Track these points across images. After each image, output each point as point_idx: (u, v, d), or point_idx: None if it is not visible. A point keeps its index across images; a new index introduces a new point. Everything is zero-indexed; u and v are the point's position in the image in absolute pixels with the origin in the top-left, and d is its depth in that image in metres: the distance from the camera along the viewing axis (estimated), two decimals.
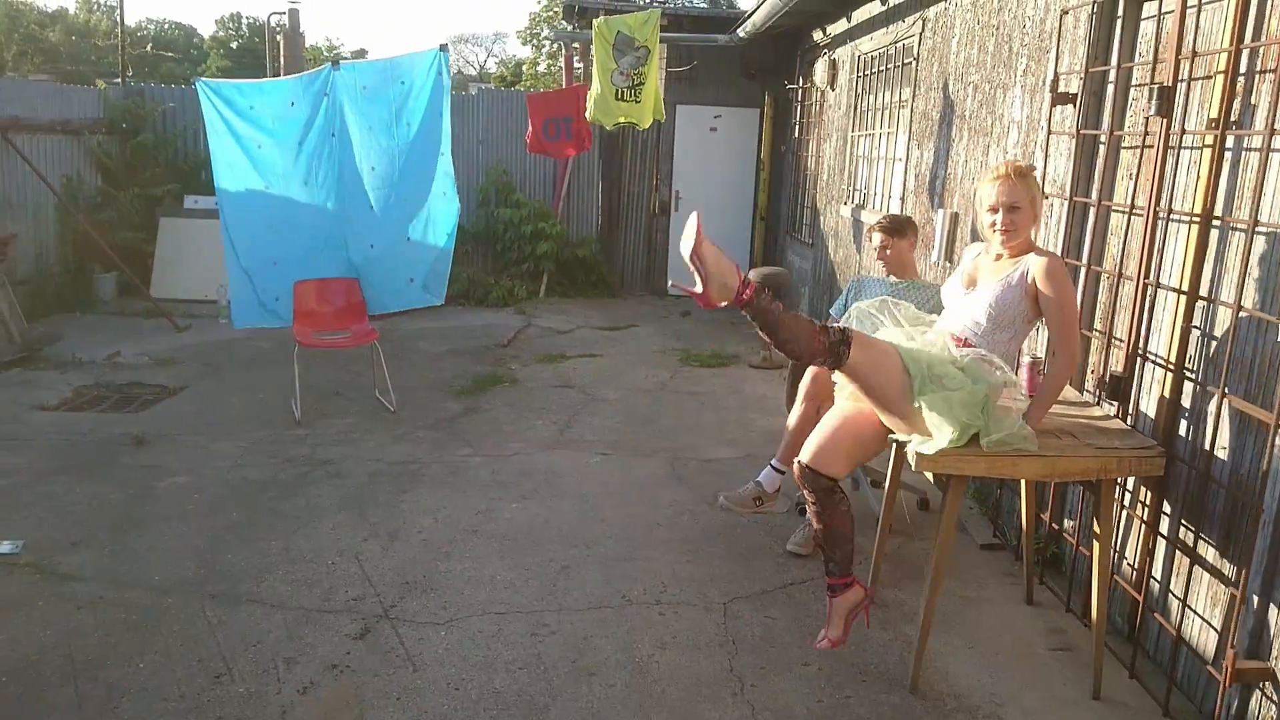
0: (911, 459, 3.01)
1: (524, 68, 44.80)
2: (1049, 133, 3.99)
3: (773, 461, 4.32)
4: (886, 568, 4.06)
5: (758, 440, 5.80)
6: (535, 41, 46.18)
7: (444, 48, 6.20)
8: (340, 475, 5.02)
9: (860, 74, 7.50)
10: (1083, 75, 3.80)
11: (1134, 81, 3.61)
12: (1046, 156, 4.04)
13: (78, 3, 44.16)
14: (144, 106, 10.23)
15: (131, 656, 3.24)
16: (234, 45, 49.85)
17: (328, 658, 3.28)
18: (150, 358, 7.37)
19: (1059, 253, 3.93)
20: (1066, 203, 3.91)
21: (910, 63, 6.16)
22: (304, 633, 3.43)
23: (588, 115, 7.75)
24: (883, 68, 6.91)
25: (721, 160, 10.90)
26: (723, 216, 10.98)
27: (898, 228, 4.63)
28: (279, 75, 10.13)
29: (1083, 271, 3.85)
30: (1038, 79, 4.29)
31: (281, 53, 15.42)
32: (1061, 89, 3.95)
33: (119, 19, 13.78)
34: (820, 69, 8.44)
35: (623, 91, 7.49)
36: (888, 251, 4.60)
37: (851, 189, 7.74)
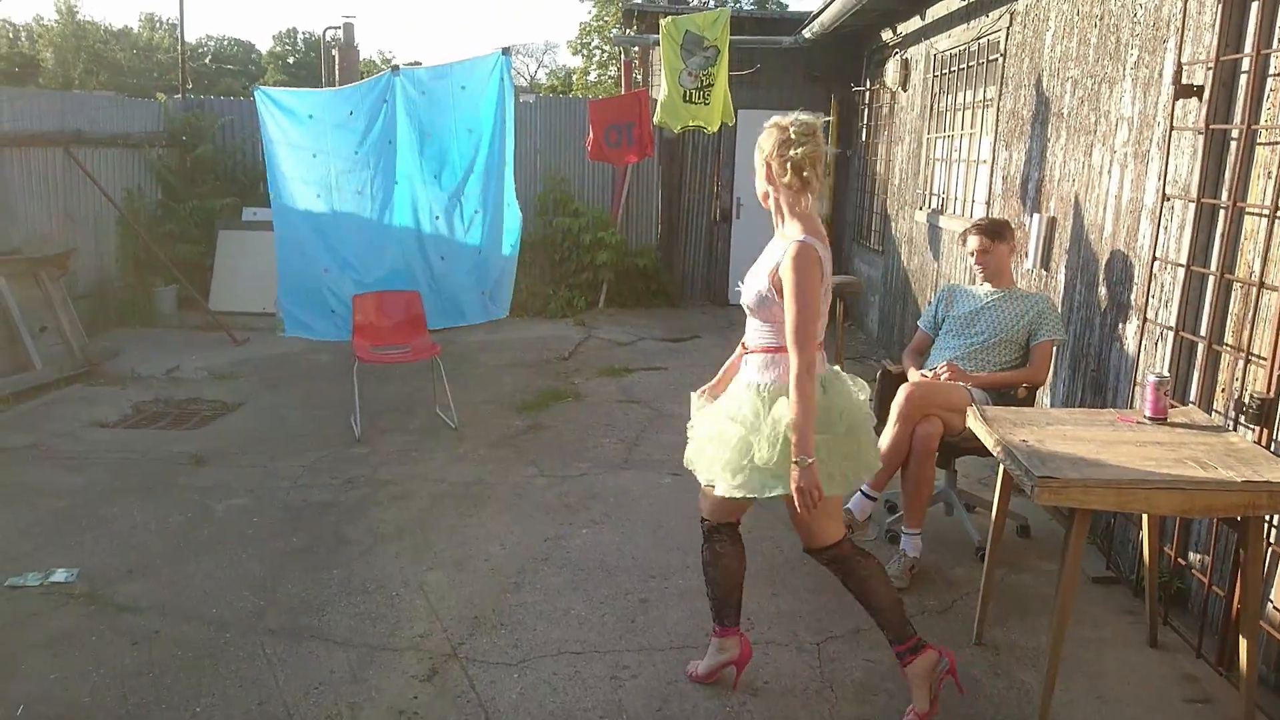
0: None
1: (574, 77, 44.89)
2: (1170, 128, 3.65)
3: (863, 488, 4.02)
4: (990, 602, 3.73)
5: None
6: (585, 51, 46.29)
7: (506, 51, 6.00)
8: (403, 497, 4.81)
9: (937, 73, 7.15)
10: (1211, 65, 3.45)
11: (1272, 70, 3.25)
12: (1167, 154, 3.69)
13: (141, 20, 45.26)
14: (203, 119, 10.21)
15: (188, 699, 3.04)
16: (290, 60, 50.69)
17: (394, 702, 3.05)
18: (209, 372, 7.27)
19: (1183, 260, 3.59)
20: (1192, 205, 3.56)
21: (996, 59, 5.82)
22: (368, 674, 3.20)
23: (655, 119, 7.50)
24: (963, 66, 6.57)
25: None
26: None
27: (998, 230, 4.31)
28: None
29: (1212, 280, 3.50)
30: (1153, 71, 3.94)
31: (336, 66, 15.49)
32: (1185, 80, 3.60)
33: (179, 33, 13.89)
34: (891, 69, 8.11)
35: (691, 93, 7.23)
36: (986, 256, 4.28)
37: (927, 193, 7.39)
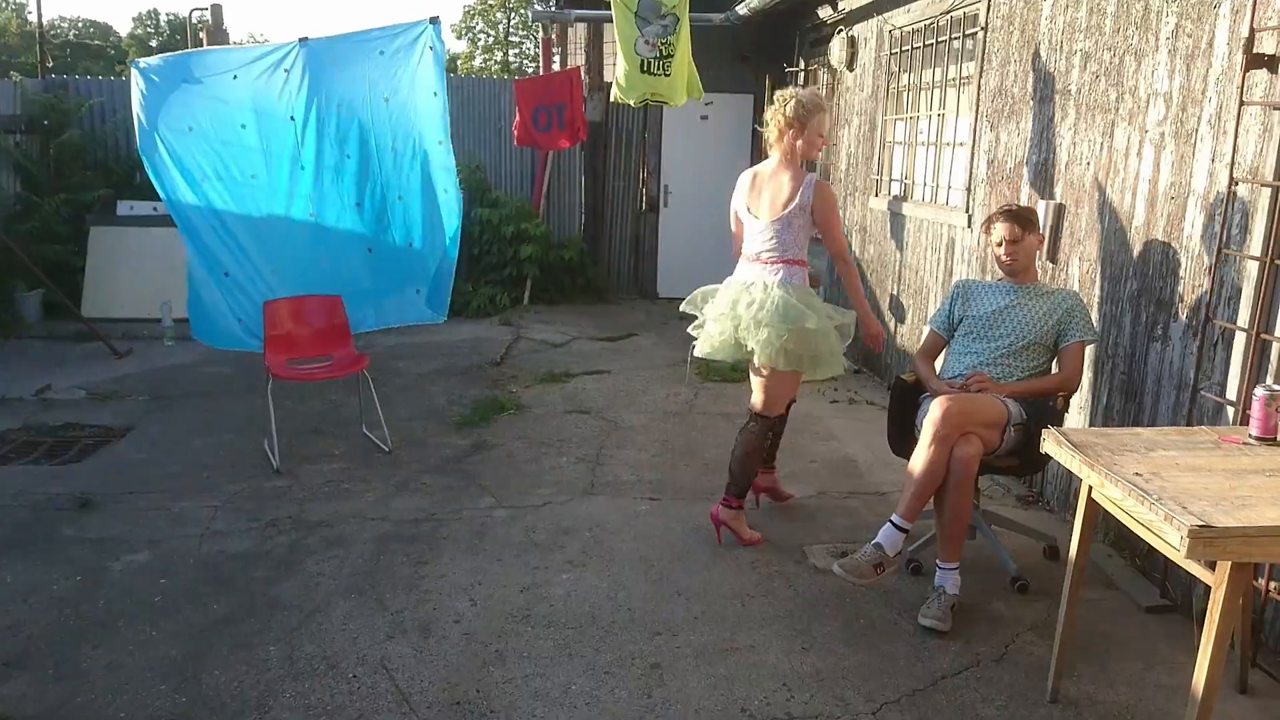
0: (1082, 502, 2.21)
1: (459, 62, 43.54)
2: (1240, 103, 3.22)
3: (893, 517, 3.50)
4: (1036, 639, 3.27)
5: (823, 473, 4.99)
6: (470, 35, 44.94)
7: (435, 20, 5.26)
8: (341, 542, 4.08)
9: (893, 51, 6.71)
10: None
11: None
12: (1237, 133, 3.26)
13: None
14: (68, 101, 9.06)
15: None
16: (153, 45, 47.82)
17: None
18: (88, 391, 6.31)
19: (1257, 253, 3.18)
20: (1268, 190, 3.15)
21: (975, 33, 5.38)
22: None
23: (613, 94, 6.80)
24: (928, 42, 6.13)
25: (715, 151, 10.06)
26: (717, 212, 10.12)
27: (1028, 219, 3.85)
28: None
29: None
30: (1197, 41, 3.53)
31: None
32: (1257, 49, 3.18)
33: (37, 4, 12.50)
34: (836, 48, 7.66)
35: (649, 63, 6.58)
36: (1016, 247, 3.81)
37: (883, 179, 6.96)
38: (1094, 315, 4.17)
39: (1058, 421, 3.66)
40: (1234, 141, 3.26)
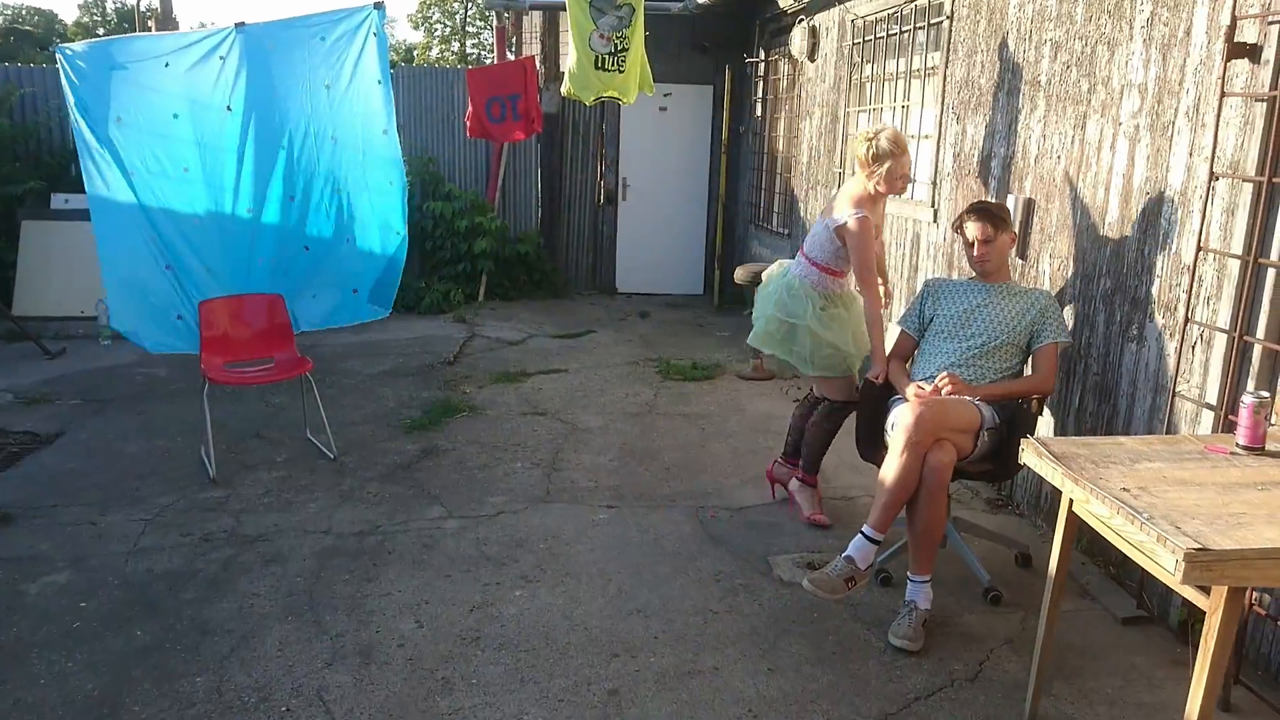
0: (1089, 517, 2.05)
1: (416, 53, 42.85)
2: (1222, 95, 3.09)
3: (864, 528, 3.34)
4: (1011, 655, 3.13)
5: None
6: (427, 25, 44.27)
7: (379, 5, 5.00)
8: (279, 558, 3.84)
9: (856, 41, 6.56)
10: (1277, 18, 2.91)
11: None
12: (1217, 126, 3.13)
13: None
14: None
15: None
16: (100, 33, 46.61)
17: None
18: (14, 394, 5.98)
19: (1239, 251, 3.05)
20: (1250, 185, 3.02)
21: (940, 22, 5.23)
22: None
23: (563, 91, 6.58)
24: (891, 32, 5.98)
25: (674, 143, 9.87)
26: (677, 206, 9.98)
27: (1001, 216, 3.69)
28: None
29: (1272, 274, 2.97)
30: (1174, 30, 3.39)
31: None
32: (1238, 38, 3.05)
33: None
34: (797, 38, 7.49)
35: (604, 59, 6.35)
36: (989, 247, 3.66)
37: (846, 173, 6.80)
38: (1066, 314, 4.04)
39: (1032, 424, 3.52)
40: (1215, 134, 3.12)
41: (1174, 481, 2.39)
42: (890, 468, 3.28)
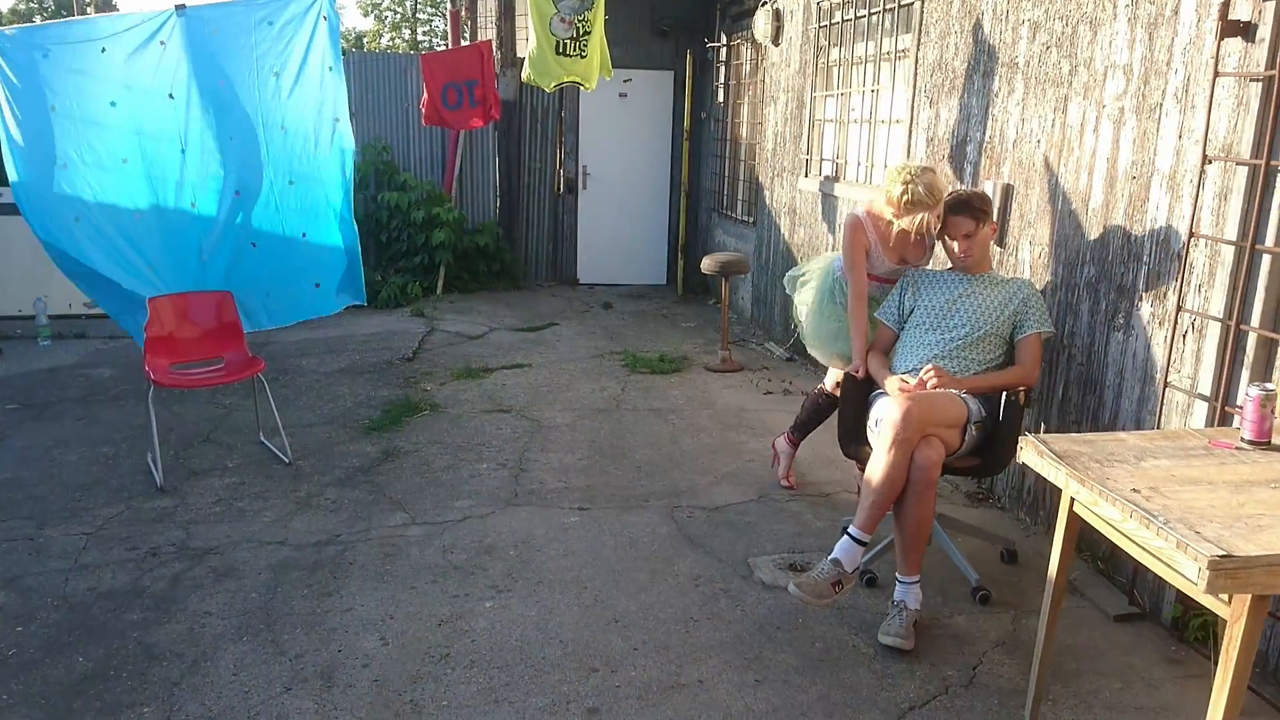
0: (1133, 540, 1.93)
1: (365, 41, 42.09)
2: (1215, 74, 2.98)
3: (850, 529, 3.20)
4: (1004, 657, 3.02)
5: (763, 473, 4.68)
6: (377, 12, 43.49)
7: None
8: (232, 573, 3.62)
9: (822, 24, 6.42)
10: None
11: None
12: (1210, 107, 3.02)
13: None
14: None
15: None
16: (38, 19, 45.21)
17: None
18: None
19: (1233, 236, 2.95)
20: (1244, 169, 2.91)
21: (911, 3, 5.10)
22: None
23: (523, 77, 6.35)
24: (860, 14, 5.85)
25: (635, 130, 9.68)
26: (639, 194, 9.80)
27: (983, 207, 3.56)
28: None
29: (1267, 260, 2.88)
30: (1161, 8, 3.28)
31: None
32: (1232, 15, 2.94)
33: None
34: (760, 21, 7.33)
35: (565, 44, 6.13)
36: (971, 242, 3.54)
37: (813, 159, 6.68)
38: (1049, 302, 3.93)
39: (1019, 417, 3.41)
40: (1207, 116, 3.02)
41: (1184, 480, 2.28)
42: (877, 466, 3.15)
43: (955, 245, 3.54)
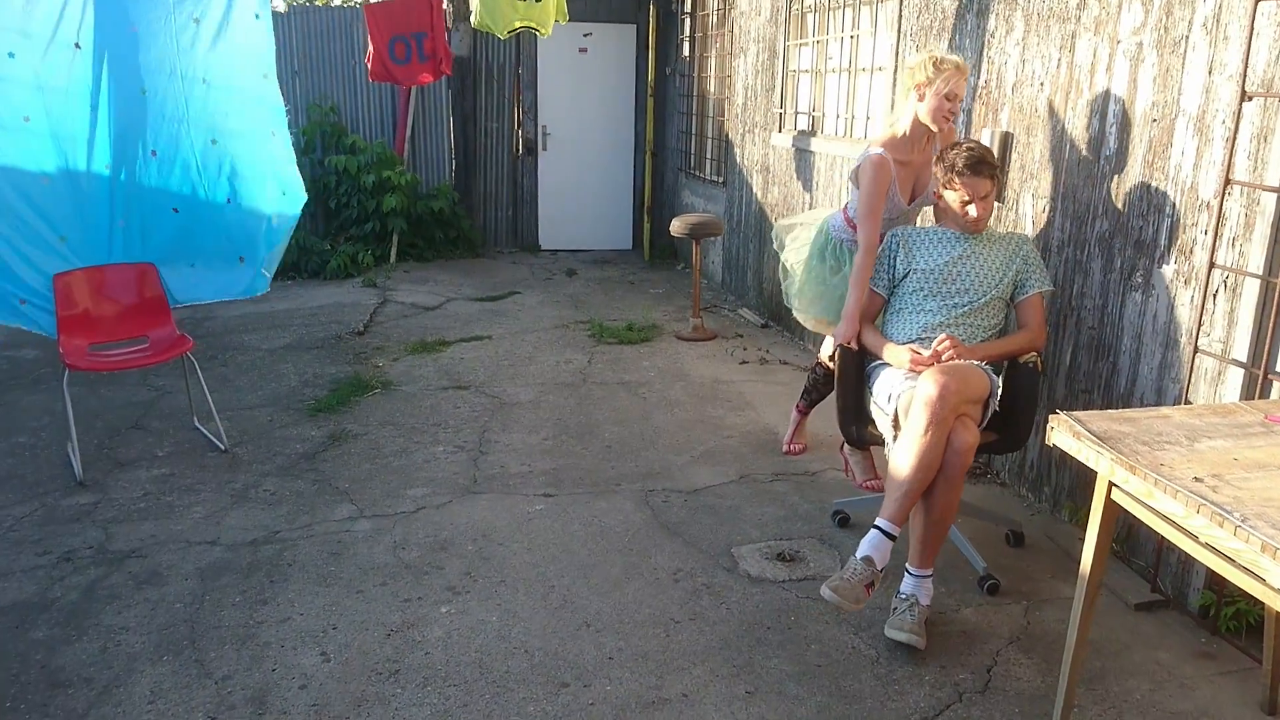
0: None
1: None
2: (1256, 1, 2.63)
3: (879, 522, 2.84)
4: (1020, 657, 2.71)
5: (743, 450, 4.34)
6: None
7: None
8: (156, 579, 3.22)
9: None
10: None
11: None
12: (1251, 37, 2.67)
13: None
14: None
15: None
16: None
17: None
18: None
19: (1274, 183, 2.62)
20: None
21: None
22: None
23: (474, 22, 5.89)
24: None
25: (597, 87, 9.22)
26: (602, 155, 9.36)
27: (993, 162, 3.21)
28: None
29: None
30: None
31: None
32: None
33: None
34: None
35: None
36: (986, 203, 3.18)
37: (787, 113, 6.29)
38: (1054, 261, 3.61)
39: (1035, 385, 3.09)
40: (1246, 48, 2.67)
41: (1250, 465, 1.95)
42: (909, 450, 2.79)
43: (973, 208, 3.17)
